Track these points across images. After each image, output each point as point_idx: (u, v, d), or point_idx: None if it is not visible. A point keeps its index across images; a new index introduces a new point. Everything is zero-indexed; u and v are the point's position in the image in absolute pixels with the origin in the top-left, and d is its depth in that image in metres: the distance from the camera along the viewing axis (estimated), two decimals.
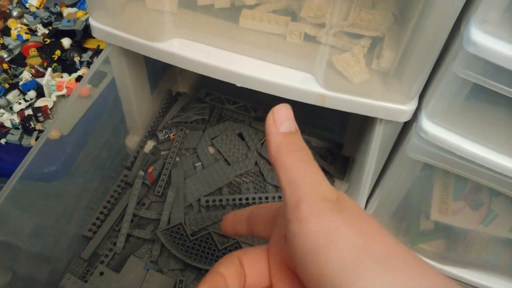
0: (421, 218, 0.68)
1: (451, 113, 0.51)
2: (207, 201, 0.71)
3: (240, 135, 0.81)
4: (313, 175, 0.24)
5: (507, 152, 0.51)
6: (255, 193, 0.74)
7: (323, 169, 0.77)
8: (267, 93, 0.57)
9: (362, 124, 0.77)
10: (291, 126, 0.26)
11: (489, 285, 0.72)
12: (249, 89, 0.89)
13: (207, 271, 0.65)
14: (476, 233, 0.65)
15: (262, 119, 0.85)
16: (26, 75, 0.75)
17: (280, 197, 0.72)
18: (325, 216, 0.22)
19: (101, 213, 0.69)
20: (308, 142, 0.81)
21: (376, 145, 0.57)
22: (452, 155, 0.52)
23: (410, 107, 0.53)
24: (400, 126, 0.58)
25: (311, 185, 0.23)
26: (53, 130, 0.60)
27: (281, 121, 0.25)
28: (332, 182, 0.75)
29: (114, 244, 0.67)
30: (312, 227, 0.22)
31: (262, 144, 0.80)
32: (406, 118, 0.55)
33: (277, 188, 0.75)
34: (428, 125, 0.52)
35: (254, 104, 0.86)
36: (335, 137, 0.84)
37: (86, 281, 0.63)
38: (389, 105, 0.53)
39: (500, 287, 0.72)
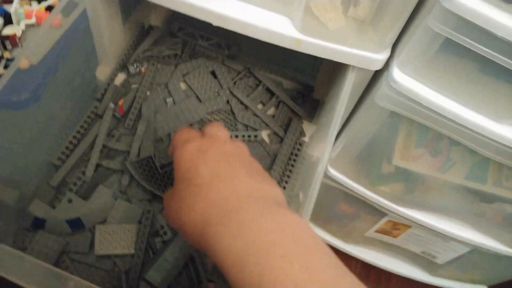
0: (383, 162, 0.71)
1: (421, 65, 0.53)
2: None
3: (213, 73, 0.81)
4: None
5: (470, 105, 0.53)
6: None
7: (292, 111, 0.79)
8: (243, 34, 0.56)
9: (334, 69, 0.78)
10: None
11: (443, 227, 0.78)
12: None
13: None
14: (434, 179, 0.69)
15: (235, 57, 0.84)
16: None
17: (249, 136, 0.74)
18: None
19: (70, 142, 0.69)
20: (280, 84, 0.81)
21: (347, 91, 0.58)
22: (418, 105, 0.54)
23: (383, 56, 0.54)
24: (371, 74, 0.59)
25: None
26: (23, 60, 0.58)
27: None
28: (301, 123, 0.77)
29: (83, 173, 0.67)
30: None
31: (234, 83, 0.80)
32: (378, 66, 0.56)
33: (247, 127, 0.76)
34: (398, 75, 0.54)
35: (228, 41, 0.85)
36: (307, 80, 0.84)
37: (54, 207, 0.64)
38: (363, 53, 0.54)
39: (453, 230, 0.78)
